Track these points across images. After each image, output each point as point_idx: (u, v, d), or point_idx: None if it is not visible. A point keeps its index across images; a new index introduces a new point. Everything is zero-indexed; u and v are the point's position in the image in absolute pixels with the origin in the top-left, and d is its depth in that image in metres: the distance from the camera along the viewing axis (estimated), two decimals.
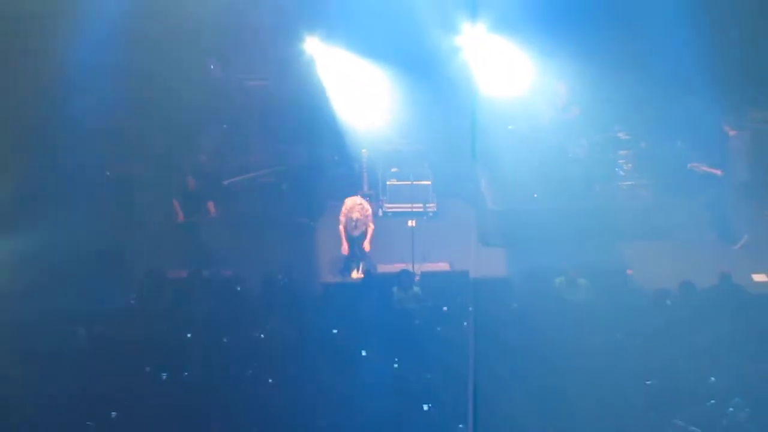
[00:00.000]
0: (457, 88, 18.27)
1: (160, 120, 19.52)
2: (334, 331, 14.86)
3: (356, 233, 17.56)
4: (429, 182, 19.51)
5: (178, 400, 13.42)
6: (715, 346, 14.22)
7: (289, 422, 13.08)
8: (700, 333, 14.54)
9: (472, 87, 17.54)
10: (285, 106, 20.73)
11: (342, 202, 17.79)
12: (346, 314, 15.32)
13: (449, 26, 18.29)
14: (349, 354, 14.44)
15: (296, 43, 19.33)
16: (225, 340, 14.70)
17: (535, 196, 18.84)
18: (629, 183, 19.11)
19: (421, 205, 19.20)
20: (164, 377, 13.90)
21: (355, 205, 17.61)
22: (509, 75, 19.01)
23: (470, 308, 15.01)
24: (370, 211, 17.69)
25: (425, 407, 13.23)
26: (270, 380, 13.80)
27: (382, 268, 17.56)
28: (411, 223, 17.75)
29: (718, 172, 18.43)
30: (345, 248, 17.56)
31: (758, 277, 17.08)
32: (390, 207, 19.60)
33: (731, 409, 12.89)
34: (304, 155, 20.39)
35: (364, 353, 14.48)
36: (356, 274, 17.65)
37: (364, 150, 19.25)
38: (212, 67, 21.22)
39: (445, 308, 15.53)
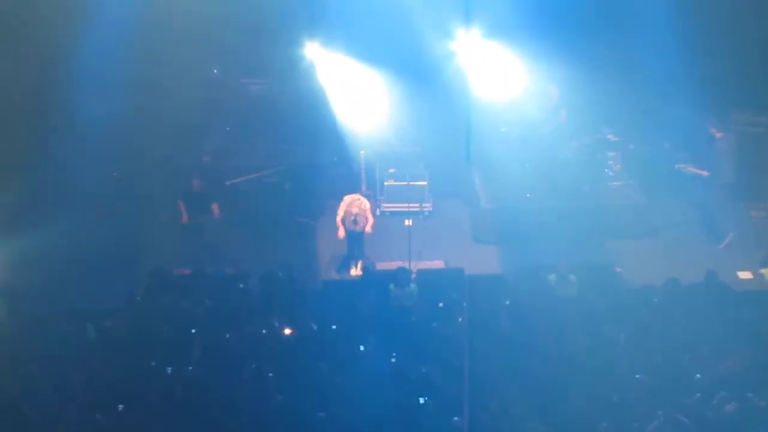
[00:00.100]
0: (452, 91, 18.31)
1: (165, 122, 19.52)
2: (334, 326, 14.86)
3: (354, 228, 17.56)
4: (425, 182, 19.48)
5: (183, 394, 13.44)
6: (702, 340, 14.27)
7: (290, 414, 13.10)
8: (687, 328, 14.58)
9: (466, 91, 17.49)
10: (286, 108, 20.71)
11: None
12: (345, 310, 15.34)
13: (445, 32, 18.26)
14: (347, 349, 14.46)
15: (297, 49, 19.32)
16: (228, 335, 14.71)
17: (528, 195, 18.83)
18: (618, 183, 19.11)
19: (417, 204, 19.17)
20: (169, 371, 13.92)
21: (353, 201, 17.63)
22: (502, 79, 19.01)
23: (465, 304, 15.05)
24: (368, 205, 17.70)
25: (422, 400, 13.25)
26: (271, 374, 13.80)
27: (380, 266, 17.55)
28: (408, 222, 17.77)
29: (705, 173, 18.42)
30: (341, 233, 17.56)
31: (743, 275, 17.10)
32: (387, 206, 19.58)
33: (716, 401, 12.93)
34: (304, 156, 20.37)
35: (362, 348, 14.49)
36: (355, 272, 17.66)
37: (362, 151, 19.23)
38: (216, 71, 21.21)
39: (440, 304, 15.55)
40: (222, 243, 17.90)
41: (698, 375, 13.51)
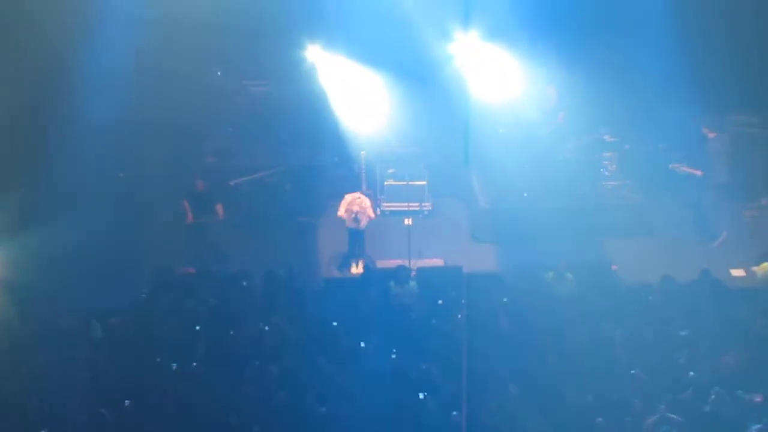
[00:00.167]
0: (451, 93, 18.35)
1: (170, 124, 19.55)
2: (335, 323, 14.87)
3: (355, 226, 17.56)
4: (424, 182, 19.49)
5: (187, 389, 13.45)
6: (696, 337, 14.27)
7: (292, 409, 13.10)
8: (682, 325, 14.58)
9: (465, 92, 17.55)
10: (288, 110, 20.74)
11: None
12: (346, 307, 15.34)
13: (444, 35, 18.30)
14: (348, 345, 14.46)
15: (298, 51, 19.32)
16: (231, 332, 14.71)
17: (525, 195, 18.84)
18: (614, 183, 19.12)
19: (417, 204, 19.17)
20: (174, 367, 13.92)
21: (354, 199, 17.66)
22: (500, 81, 19.02)
23: (463, 301, 15.06)
24: (368, 202, 17.72)
25: (421, 395, 13.24)
26: (273, 370, 13.80)
27: (380, 264, 17.56)
28: (407, 221, 17.79)
29: (698, 173, 18.43)
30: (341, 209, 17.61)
31: (736, 272, 17.09)
32: (387, 206, 19.59)
33: (713, 396, 12.92)
34: (305, 157, 20.38)
35: (363, 344, 14.49)
36: (356, 270, 17.67)
37: (362, 152, 19.24)
38: (219, 73, 21.22)
39: (440, 301, 15.54)
40: (225, 242, 17.89)
41: (693, 371, 13.50)
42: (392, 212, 19.43)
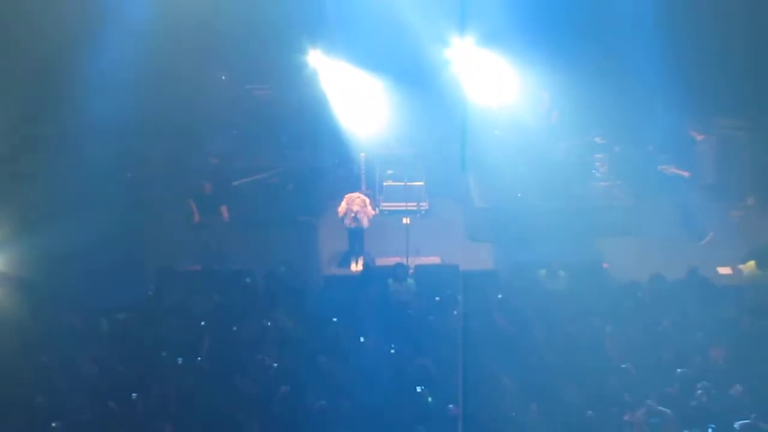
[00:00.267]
0: (447, 96, 18.35)
1: (175, 126, 19.57)
2: (335, 319, 14.89)
3: (355, 226, 17.58)
4: (422, 183, 19.49)
5: (192, 383, 13.47)
6: (684, 332, 14.30)
7: (293, 402, 13.13)
8: (670, 321, 14.61)
9: (461, 96, 17.58)
10: (290, 113, 20.73)
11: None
12: (346, 304, 15.36)
13: (441, 41, 18.31)
14: (348, 340, 14.49)
15: (300, 56, 19.33)
16: (235, 328, 14.73)
17: (519, 195, 18.84)
18: (605, 184, 19.12)
19: (414, 203, 19.17)
20: (179, 362, 13.95)
21: (354, 199, 17.65)
22: (495, 85, 19.03)
23: (459, 298, 15.10)
24: (367, 201, 17.73)
25: (418, 389, 13.28)
26: (275, 364, 13.83)
27: (379, 262, 17.58)
28: (405, 220, 17.82)
29: (686, 174, 18.44)
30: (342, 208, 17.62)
31: (723, 270, 17.12)
32: (386, 206, 19.59)
33: (699, 391, 12.96)
34: (306, 158, 20.39)
35: (362, 340, 14.52)
36: (355, 267, 17.69)
37: (362, 153, 19.25)
38: (223, 77, 21.22)
39: (437, 298, 15.57)
40: (228, 241, 17.90)
41: (680, 366, 13.53)
42: (391, 212, 19.44)
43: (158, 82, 18.84)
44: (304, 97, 20.08)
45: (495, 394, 13.07)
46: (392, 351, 14.25)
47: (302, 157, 20.37)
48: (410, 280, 15.94)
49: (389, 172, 19.68)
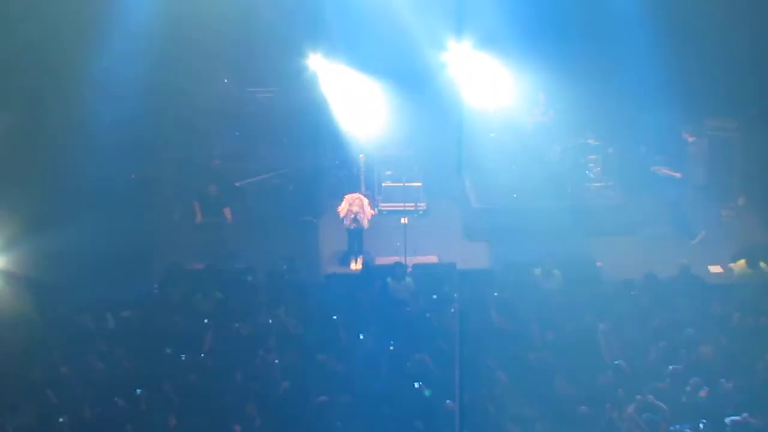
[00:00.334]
0: (445, 99, 18.37)
1: (179, 128, 19.59)
2: (335, 317, 14.92)
3: (354, 226, 17.61)
4: (420, 184, 19.50)
5: (195, 379, 13.50)
6: (675, 329, 14.33)
7: (295, 398, 13.15)
8: (662, 318, 14.64)
9: (458, 98, 17.60)
10: (291, 115, 20.74)
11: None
12: (346, 302, 15.39)
13: (438, 44, 18.35)
14: (348, 337, 14.51)
15: (301, 60, 19.37)
16: (237, 325, 14.76)
17: (515, 196, 18.87)
18: (598, 184, 19.12)
19: (412, 204, 19.20)
20: (183, 358, 13.98)
21: (353, 199, 17.68)
22: (491, 88, 19.08)
23: (456, 296, 15.12)
24: (366, 201, 17.75)
25: (417, 385, 13.30)
26: (277, 361, 13.86)
27: (378, 261, 17.61)
28: (403, 220, 17.81)
29: (678, 175, 18.48)
30: (342, 208, 17.64)
31: (714, 269, 17.14)
32: (385, 206, 19.61)
33: (688, 388, 12.98)
34: (307, 159, 20.41)
35: (361, 337, 14.55)
36: (355, 266, 17.71)
37: (361, 155, 19.26)
38: (226, 80, 21.25)
39: (434, 296, 15.58)
40: (231, 240, 17.92)
41: (672, 362, 13.55)
42: (389, 212, 19.44)
43: (163, 85, 18.87)
44: (306, 100, 20.10)
45: (491, 388, 13.10)
46: (391, 347, 14.25)
47: (303, 158, 20.39)
48: (408, 279, 15.96)
49: (388, 172, 19.71)
